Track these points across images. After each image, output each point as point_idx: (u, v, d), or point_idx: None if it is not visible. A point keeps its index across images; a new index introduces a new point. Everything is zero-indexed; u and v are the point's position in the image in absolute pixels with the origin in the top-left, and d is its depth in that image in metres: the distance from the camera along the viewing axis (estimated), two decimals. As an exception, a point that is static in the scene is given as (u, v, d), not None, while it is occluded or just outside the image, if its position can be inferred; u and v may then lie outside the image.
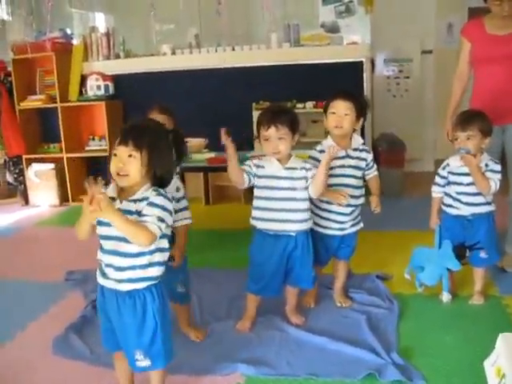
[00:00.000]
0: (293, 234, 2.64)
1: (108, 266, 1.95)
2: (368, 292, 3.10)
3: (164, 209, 1.90)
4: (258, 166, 2.63)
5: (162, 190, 1.95)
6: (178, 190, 2.57)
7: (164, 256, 2.01)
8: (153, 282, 1.98)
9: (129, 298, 1.96)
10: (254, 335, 2.70)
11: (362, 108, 2.79)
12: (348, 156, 2.81)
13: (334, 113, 2.75)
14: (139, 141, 1.88)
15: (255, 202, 2.67)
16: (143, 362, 2.01)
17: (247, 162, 2.65)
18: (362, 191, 2.88)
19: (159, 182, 1.96)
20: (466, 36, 3.40)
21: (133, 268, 1.92)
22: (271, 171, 2.60)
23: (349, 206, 2.81)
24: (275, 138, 2.55)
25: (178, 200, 2.55)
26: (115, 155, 1.91)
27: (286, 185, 2.60)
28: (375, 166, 2.93)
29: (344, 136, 2.79)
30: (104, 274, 1.97)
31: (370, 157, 2.89)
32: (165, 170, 1.97)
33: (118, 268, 1.93)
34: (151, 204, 1.89)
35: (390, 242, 3.98)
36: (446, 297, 2.97)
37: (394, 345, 2.52)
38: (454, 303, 2.96)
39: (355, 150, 2.83)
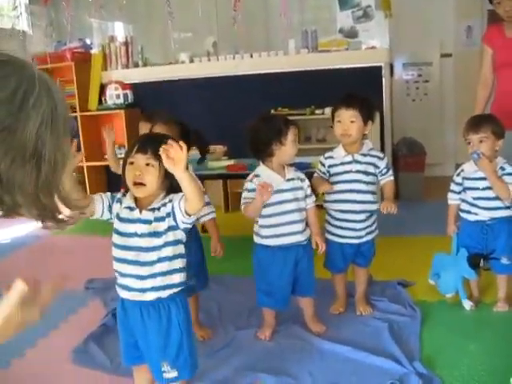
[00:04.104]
0: (304, 242, 2.65)
1: (129, 276, 1.94)
2: (390, 299, 3.06)
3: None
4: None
5: None
6: None
7: (183, 262, 2.00)
8: (176, 290, 1.97)
9: (153, 310, 1.95)
10: (275, 344, 2.68)
11: (369, 112, 2.77)
12: (355, 161, 2.79)
13: (339, 121, 2.75)
14: (158, 149, 1.85)
15: (263, 221, 2.62)
16: (170, 373, 2.00)
17: (250, 187, 2.57)
18: (375, 197, 2.85)
19: (174, 191, 1.93)
20: (487, 43, 3.37)
21: (153, 276, 1.92)
22: (275, 186, 2.54)
23: (361, 212, 2.80)
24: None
25: None
26: (131, 163, 1.89)
27: (291, 197, 2.60)
28: (390, 172, 2.88)
29: (353, 142, 2.78)
30: (125, 287, 1.96)
31: (382, 163, 2.85)
32: None
33: (140, 277, 1.92)
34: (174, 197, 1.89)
35: (412, 248, 3.94)
36: (467, 304, 2.92)
37: (416, 354, 2.48)
38: (479, 310, 2.91)
39: (364, 155, 2.81)
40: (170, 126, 2.67)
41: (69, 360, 2.65)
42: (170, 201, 1.90)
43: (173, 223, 1.91)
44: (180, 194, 1.87)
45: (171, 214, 1.90)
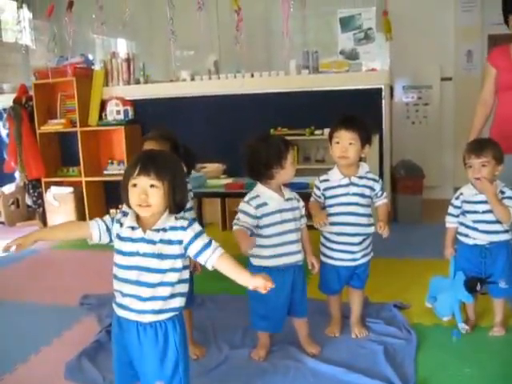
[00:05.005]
0: (300, 263, 2.64)
1: (129, 296, 1.91)
2: (385, 322, 3.03)
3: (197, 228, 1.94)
4: (258, 206, 2.55)
5: (181, 215, 1.97)
6: None
7: (185, 287, 1.98)
8: (175, 313, 1.95)
9: (150, 328, 1.92)
10: (269, 365, 2.65)
11: (367, 136, 2.77)
12: (352, 184, 2.78)
13: (338, 142, 2.74)
14: (161, 171, 1.84)
15: (263, 241, 2.57)
16: None
17: (246, 210, 2.55)
18: (370, 220, 2.83)
19: (177, 208, 1.93)
20: (491, 63, 3.37)
21: (154, 299, 1.89)
22: (275, 206, 2.56)
23: (357, 235, 2.79)
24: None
25: (187, 210, 2.52)
26: (134, 185, 1.87)
27: (290, 216, 2.60)
28: (385, 194, 2.88)
29: (350, 165, 2.78)
30: (124, 306, 1.93)
31: (378, 186, 2.84)
32: (183, 197, 1.95)
33: (140, 298, 1.89)
34: (189, 228, 1.90)
35: (409, 270, 3.92)
36: (462, 328, 2.90)
37: (411, 377, 2.46)
38: (474, 334, 2.89)
39: (360, 177, 2.80)
40: (158, 142, 2.67)
41: (61, 376, 2.62)
42: (183, 228, 1.89)
43: (183, 251, 1.90)
44: (211, 247, 1.92)
45: (182, 243, 1.89)
